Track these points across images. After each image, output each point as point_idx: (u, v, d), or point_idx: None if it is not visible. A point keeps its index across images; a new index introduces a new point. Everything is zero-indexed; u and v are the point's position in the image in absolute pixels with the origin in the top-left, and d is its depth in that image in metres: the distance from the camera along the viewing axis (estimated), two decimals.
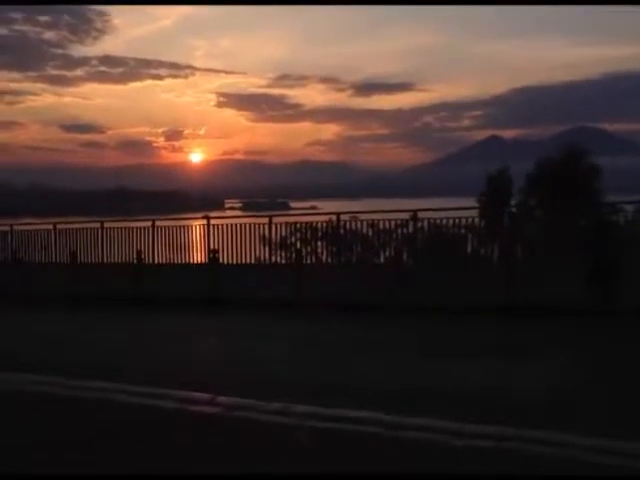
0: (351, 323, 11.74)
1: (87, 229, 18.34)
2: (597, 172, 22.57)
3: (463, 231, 14.47)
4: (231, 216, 48.91)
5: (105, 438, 5.54)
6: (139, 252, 16.78)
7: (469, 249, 14.75)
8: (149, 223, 17.42)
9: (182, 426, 5.85)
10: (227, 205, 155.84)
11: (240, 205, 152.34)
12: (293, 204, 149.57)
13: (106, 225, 18.20)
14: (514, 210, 19.93)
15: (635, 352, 8.57)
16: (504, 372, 7.57)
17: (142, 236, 17.19)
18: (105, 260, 17.71)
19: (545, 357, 8.35)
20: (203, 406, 6.33)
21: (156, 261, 17.00)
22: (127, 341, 10.74)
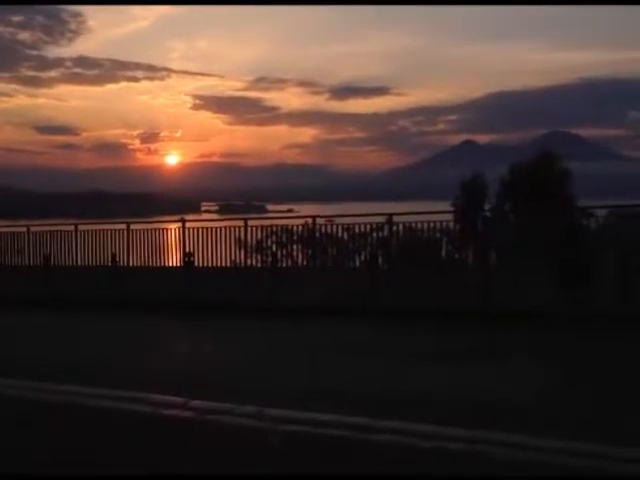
0: (326, 326, 11.76)
1: (61, 232, 18.21)
2: (569, 177, 22.83)
3: (438, 235, 14.57)
4: (207, 219, 48.73)
5: (75, 442, 5.52)
6: (113, 255, 16.71)
7: (444, 253, 14.86)
8: (124, 226, 17.34)
9: (154, 430, 5.85)
10: (203, 208, 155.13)
11: (216, 208, 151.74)
12: (270, 207, 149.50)
13: (80, 228, 18.09)
14: (488, 214, 20.07)
15: (604, 356, 8.67)
16: (474, 376, 7.64)
17: (117, 239, 17.11)
18: (79, 263, 17.60)
19: (515, 361, 8.43)
20: (176, 410, 6.32)
21: (131, 264, 16.93)
22: (100, 344, 10.67)
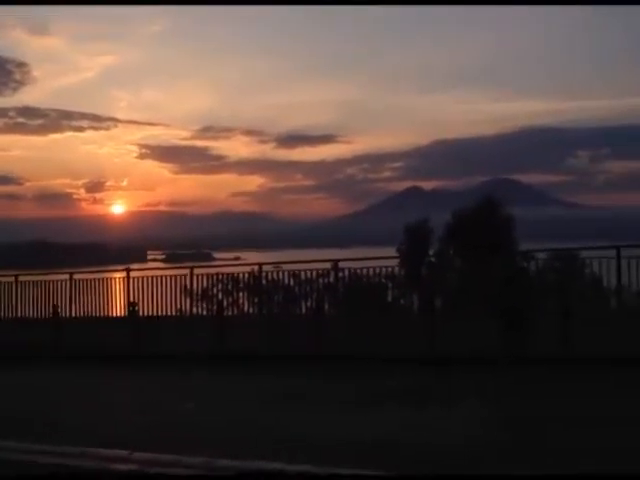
0: (272, 374, 11.67)
1: (0, 283, 17.81)
2: (512, 222, 23.33)
3: (383, 280, 14.71)
4: (152, 268, 48.12)
5: None
6: (55, 306, 16.37)
7: (389, 298, 14.99)
8: (66, 276, 17.08)
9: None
10: (150, 257, 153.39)
11: (163, 257, 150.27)
12: (217, 255, 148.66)
13: (21, 279, 17.73)
14: (433, 260, 20.34)
15: (533, 402, 8.75)
16: (403, 421, 7.66)
17: (59, 289, 16.82)
18: (20, 315, 17.21)
19: (449, 406, 8.48)
20: (120, 464, 6.19)
21: (74, 315, 16.62)
22: (44, 397, 10.40)
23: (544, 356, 10.94)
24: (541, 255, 14.65)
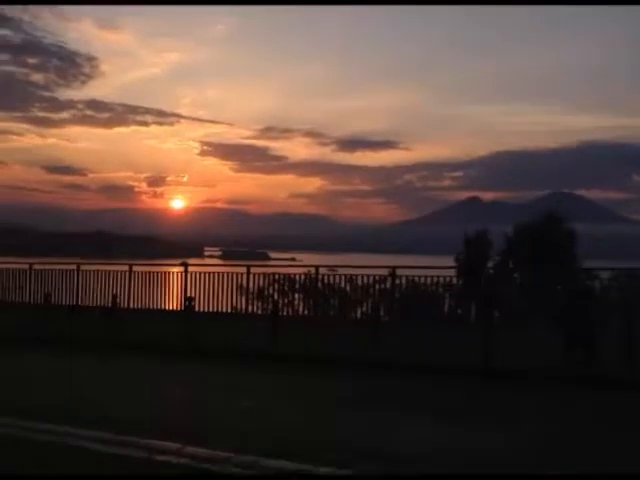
0: (324, 378, 11.61)
1: (63, 271, 18.20)
2: (575, 238, 22.81)
3: (440, 290, 14.55)
4: (209, 264, 48.68)
5: None
6: (114, 296, 16.62)
7: (446, 308, 14.81)
8: (126, 267, 17.34)
9: (146, 476, 5.75)
10: (206, 253, 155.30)
11: (219, 253, 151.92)
12: (273, 255, 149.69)
13: (82, 267, 18.08)
14: (492, 272, 20.03)
15: (599, 424, 8.51)
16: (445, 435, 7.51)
17: (119, 280, 17.09)
18: (80, 302, 17.56)
19: (504, 422, 8.30)
20: (170, 456, 6.21)
21: (131, 306, 16.87)
22: (99, 386, 10.55)
23: (607, 375, 10.64)
24: (605, 273, 14.29)
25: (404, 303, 14.72)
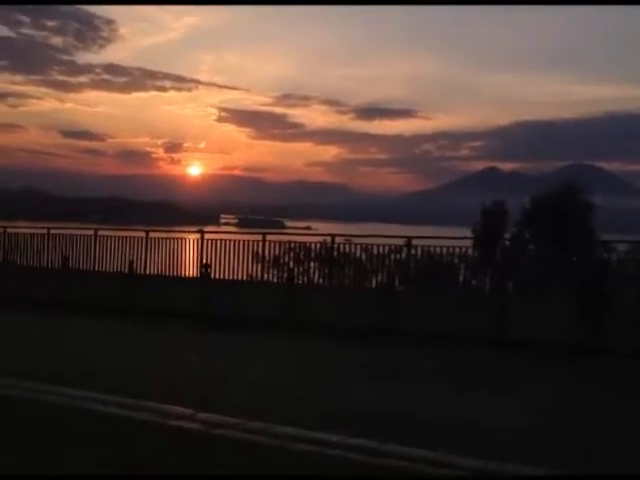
0: (339, 345, 11.68)
1: (81, 236, 18.31)
2: (593, 210, 22.64)
3: (456, 261, 14.51)
4: (225, 231, 48.85)
5: (78, 446, 5.51)
6: (131, 262, 16.72)
7: (461, 279, 14.79)
8: (143, 234, 17.40)
9: (161, 440, 5.82)
10: (222, 220, 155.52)
11: (236, 221, 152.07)
12: (288, 223, 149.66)
13: (100, 233, 18.18)
14: (508, 243, 19.96)
15: (608, 392, 8.53)
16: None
17: (135, 246, 17.17)
18: (97, 268, 17.68)
19: (516, 391, 8.35)
20: (181, 421, 6.28)
21: (148, 272, 16.97)
22: (109, 352, 10.66)
23: (619, 349, 10.64)
24: (621, 246, 14.20)
25: (419, 273, 14.71)
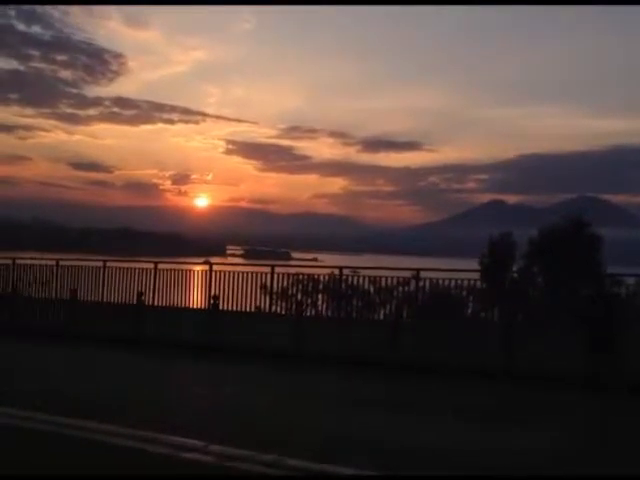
0: (346, 378, 11.67)
1: (89, 267, 18.37)
2: (599, 242, 22.64)
3: (464, 293, 14.50)
4: (233, 263, 48.90)
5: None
6: (140, 293, 16.77)
7: (469, 311, 14.77)
8: (151, 265, 17.46)
9: (171, 474, 5.83)
10: (229, 251, 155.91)
11: (242, 252, 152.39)
12: (295, 255, 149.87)
13: (108, 264, 18.24)
14: (516, 275, 19.94)
15: (617, 427, 8.50)
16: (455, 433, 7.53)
17: (144, 277, 17.21)
18: (105, 299, 17.71)
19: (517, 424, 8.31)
20: (194, 453, 6.29)
21: (156, 303, 16.99)
22: (120, 382, 10.68)
23: (628, 384, 10.58)
24: (630, 280, 14.18)
25: (427, 305, 14.70)
